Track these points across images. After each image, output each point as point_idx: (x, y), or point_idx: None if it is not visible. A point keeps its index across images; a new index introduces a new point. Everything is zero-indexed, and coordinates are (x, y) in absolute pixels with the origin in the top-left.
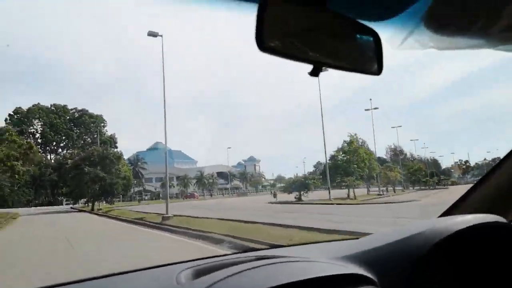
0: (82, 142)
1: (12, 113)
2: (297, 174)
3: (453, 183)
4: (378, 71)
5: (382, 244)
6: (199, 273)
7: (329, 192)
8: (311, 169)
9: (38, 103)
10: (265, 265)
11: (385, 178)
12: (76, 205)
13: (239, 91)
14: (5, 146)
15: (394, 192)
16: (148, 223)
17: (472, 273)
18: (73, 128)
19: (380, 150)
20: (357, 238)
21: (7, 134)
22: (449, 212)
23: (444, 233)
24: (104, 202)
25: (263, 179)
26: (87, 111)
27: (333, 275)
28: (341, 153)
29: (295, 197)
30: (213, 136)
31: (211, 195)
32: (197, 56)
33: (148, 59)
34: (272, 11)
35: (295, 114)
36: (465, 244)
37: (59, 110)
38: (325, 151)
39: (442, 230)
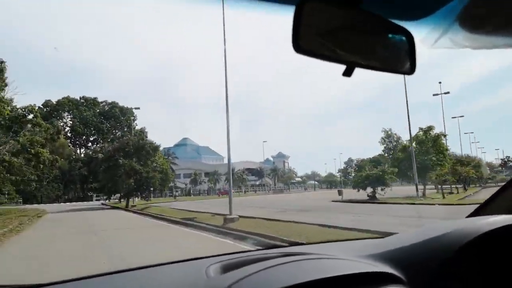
0: (112, 135)
1: (41, 106)
2: (326, 171)
3: (502, 180)
4: (411, 70)
5: (410, 244)
6: (227, 268)
7: (417, 189)
8: (341, 166)
9: (68, 96)
10: (293, 261)
11: (454, 174)
12: (107, 201)
13: (267, 87)
14: (29, 130)
15: (465, 190)
16: (205, 225)
17: (501, 276)
18: (103, 121)
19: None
20: (382, 237)
21: (31, 115)
22: (478, 212)
23: (473, 234)
24: (139, 198)
25: (294, 176)
26: (117, 103)
27: (361, 273)
28: (414, 144)
29: (369, 195)
30: (240, 133)
31: (244, 192)
32: (227, 53)
33: (175, 57)
34: (307, 13)
35: (322, 111)
36: (495, 246)
37: (89, 103)
38: (410, 134)
39: (471, 231)
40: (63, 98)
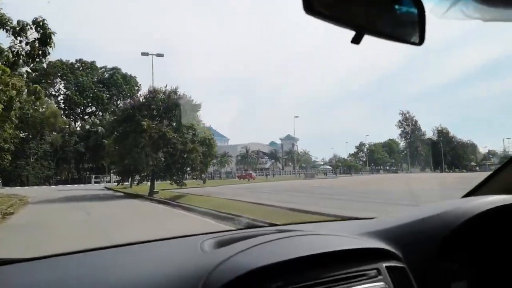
0: (114, 106)
1: (29, 70)
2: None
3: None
4: (420, 41)
5: (406, 223)
6: (222, 243)
7: None
8: (352, 150)
9: (60, 58)
10: (288, 237)
11: None
12: (111, 184)
13: (273, 69)
14: None
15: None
16: None
17: (498, 253)
18: (103, 89)
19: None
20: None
21: None
22: (473, 192)
23: (469, 214)
24: (165, 181)
25: (311, 159)
26: (119, 69)
27: (356, 249)
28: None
29: None
30: (244, 114)
31: (273, 175)
32: (229, 34)
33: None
34: None
35: (329, 94)
36: (490, 225)
37: (86, 67)
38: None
39: (468, 211)
40: (55, 61)
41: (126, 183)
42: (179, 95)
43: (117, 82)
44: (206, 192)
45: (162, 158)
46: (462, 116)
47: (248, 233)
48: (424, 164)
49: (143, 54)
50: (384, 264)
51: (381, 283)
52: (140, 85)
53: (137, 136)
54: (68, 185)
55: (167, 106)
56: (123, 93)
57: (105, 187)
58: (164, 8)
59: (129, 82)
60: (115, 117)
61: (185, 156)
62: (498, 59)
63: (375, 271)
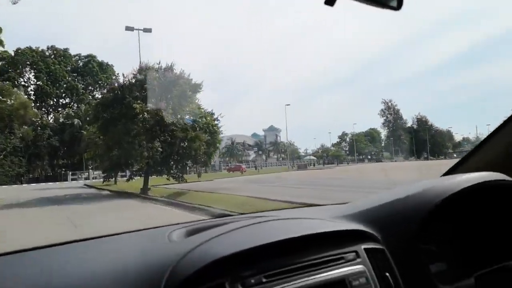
0: (90, 97)
1: None
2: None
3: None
4: (398, 5)
5: (383, 203)
6: (191, 232)
7: None
8: (335, 140)
9: (30, 46)
10: (260, 222)
11: None
12: (90, 181)
13: (249, 58)
14: None
15: None
16: None
17: (476, 231)
18: (78, 78)
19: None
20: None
21: None
22: (453, 171)
23: (448, 192)
24: (162, 175)
25: (297, 150)
26: (95, 57)
27: (333, 231)
28: None
29: None
30: (225, 105)
31: (255, 167)
32: (207, 23)
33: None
34: None
35: (310, 84)
36: (470, 202)
37: (59, 55)
38: None
39: (446, 189)
40: (24, 48)
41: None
42: (176, 73)
43: (93, 70)
44: (207, 187)
45: (159, 149)
46: (438, 104)
47: (219, 221)
48: (407, 152)
49: (127, 28)
50: (363, 246)
51: (360, 266)
52: (117, 74)
53: (128, 122)
54: (42, 184)
55: (163, 85)
56: (100, 82)
57: (85, 185)
58: None
59: (105, 70)
60: (99, 101)
61: (186, 145)
62: (473, 49)
63: (353, 253)
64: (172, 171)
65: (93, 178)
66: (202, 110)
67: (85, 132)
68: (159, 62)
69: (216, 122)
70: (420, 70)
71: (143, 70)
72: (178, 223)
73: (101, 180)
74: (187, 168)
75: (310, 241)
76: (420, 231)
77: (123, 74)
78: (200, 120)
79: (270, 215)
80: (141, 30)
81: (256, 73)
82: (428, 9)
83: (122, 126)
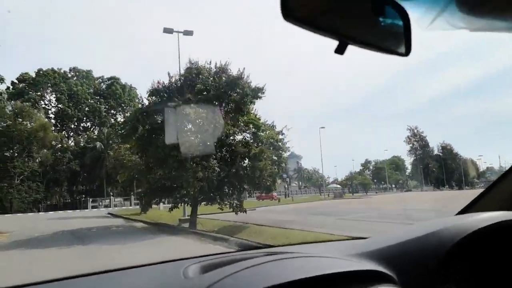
0: (112, 119)
1: (15, 81)
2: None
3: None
4: (406, 52)
5: (399, 242)
6: (207, 268)
7: None
8: (358, 168)
9: (52, 67)
10: (276, 260)
11: None
12: (113, 209)
13: (267, 79)
14: None
15: None
16: None
17: (493, 272)
18: (101, 100)
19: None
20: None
21: None
22: (467, 209)
23: (464, 231)
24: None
25: (325, 177)
26: (118, 79)
27: (349, 271)
28: None
29: None
30: None
31: (285, 195)
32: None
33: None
34: None
35: (326, 109)
36: (486, 242)
37: (81, 76)
38: None
39: (462, 228)
40: (46, 69)
41: (130, 207)
42: (232, 74)
43: (116, 93)
44: (260, 219)
45: (216, 168)
46: (458, 131)
47: (235, 256)
48: (436, 181)
49: (165, 31)
50: (379, 287)
51: None
52: (141, 97)
53: (172, 135)
54: (61, 212)
55: (220, 87)
56: (123, 105)
57: (109, 213)
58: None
59: (129, 93)
60: (138, 108)
61: (248, 164)
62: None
63: None
64: (228, 198)
65: (114, 206)
66: (262, 120)
67: (111, 153)
68: (210, 62)
69: (280, 136)
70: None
71: (191, 68)
72: (192, 257)
73: (124, 207)
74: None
75: (328, 280)
76: (437, 271)
77: (168, 74)
78: (262, 133)
79: (284, 251)
80: (181, 32)
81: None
82: (450, 37)
83: (165, 140)
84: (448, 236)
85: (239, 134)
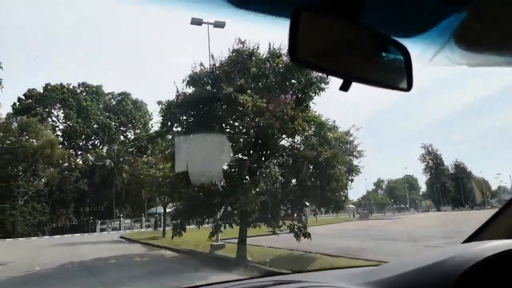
0: (122, 136)
1: (22, 97)
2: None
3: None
4: (408, 87)
5: (407, 271)
6: None
7: None
8: (371, 187)
9: (61, 82)
10: None
11: None
12: (123, 232)
13: None
14: None
15: None
16: None
17: None
18: (111, 116)
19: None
20: (377, 265)
21: None
22: (474, 237)
23: (472, 260)
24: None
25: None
26: (129, 94)
27: None
28: None
29: None
30: None
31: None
32: None
33: None
34: (304, 25)
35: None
36: (495, 271)
37: (91, 92)
38: None
39: (470, 257)
40: (55, 84)
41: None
42: (286, 60)
43: (127, 108)
44: (318, 245)
45: (278, 176)
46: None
47: (243, 284)
48: (452, 201)
49: (193, 22)
50: None
51: None
52: (151, 113)
53: (225, 128)
54: (67, 235)
55: (279, 72)
56: (133, 121)
57: (122, 237)
58: None
59: (140, 108)
60: (174, 100)
61: (315, 173)
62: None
63: None
64: (288, 217)
65: (124, 228)
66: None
67: (126, 167)
68: (258, 46)
69: (350, 138)
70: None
71: (244, 51)
72: (201, 285)
73: (135, 230)
74: (341, 208)
75: None
76: None
77: (212, 56)
78: (329, 134)
79: (293, 280)
80: (211, 24)
81: None
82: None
83: (217, 137)
84: (455, 265)
85: (303, 132)
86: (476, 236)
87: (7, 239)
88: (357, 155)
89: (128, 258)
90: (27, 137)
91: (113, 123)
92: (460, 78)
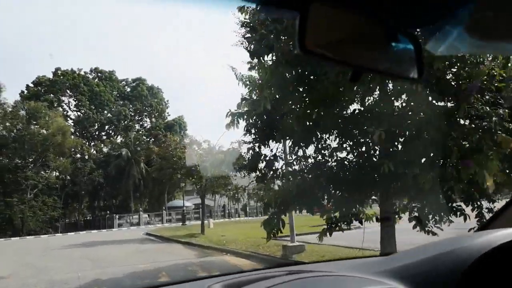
0: (138, 124)
1: (31, 85)
2: None
3: None
4: (419, 75)
5: (420, 259)
6: (230, 287)
7: None
8: None
9: (72, 68)
10: (297, 279)
11: None
12: (145, 227)
13: None
14: None
15: None
16: None
17: None
18: (126, 103)
19: None
20: (387, 255)
21: None
22: (488, 225)
23: (484, 248)
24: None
25: None
26: (144, 80)
27: None
28: None
29: None
30: None
31: None
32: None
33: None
34: (314, 15)
35: None
36: (506, 260)
37: (104, 78)
38: None
39: (484, 244)
40: (65, 69)
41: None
42: None
43: (142, 95)
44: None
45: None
46: None
47: (256, 275)
48: None
49: None
50: None
51: None
52: (167, 101)
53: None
54: (82, 232)
55: None
56: (149, 109)
57: (149, 234)
58: None
59: (156, 95)
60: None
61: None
62: None
63: None
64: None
65: (146, 224)
66: None
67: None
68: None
69: None
70: None
71: None
72: (215, 275)
73: (158, 225)
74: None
75: None
76: (459, 287)
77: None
78: None
79: (308, 269)
80: None
81: None
82: None
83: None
84: (467, 253)
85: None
86: (489, 224)
87: (12, 238)
88: None
89: (186, 271)
90: (36, 125)
91: (128, 110)
92: None
